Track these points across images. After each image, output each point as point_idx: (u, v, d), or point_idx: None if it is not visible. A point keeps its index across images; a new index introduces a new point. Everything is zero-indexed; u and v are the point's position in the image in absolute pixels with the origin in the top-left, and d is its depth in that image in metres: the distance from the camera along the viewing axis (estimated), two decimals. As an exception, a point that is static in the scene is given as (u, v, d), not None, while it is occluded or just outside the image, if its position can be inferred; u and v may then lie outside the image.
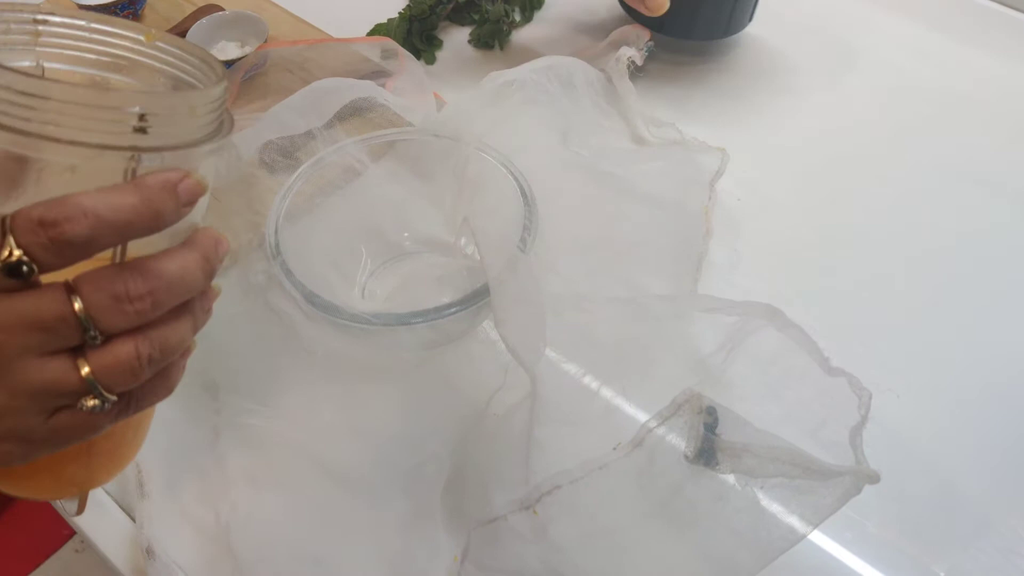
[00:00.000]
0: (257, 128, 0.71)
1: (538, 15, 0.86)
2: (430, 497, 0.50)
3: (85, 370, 0.32)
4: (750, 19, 0.79)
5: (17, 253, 0.29)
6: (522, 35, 0.84)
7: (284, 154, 0.67)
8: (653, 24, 0.77)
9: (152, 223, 0.32)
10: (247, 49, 0.80)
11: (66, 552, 1.35)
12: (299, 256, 0.56)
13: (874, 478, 0.37)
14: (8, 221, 0.29)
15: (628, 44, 0.74)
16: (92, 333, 0.31)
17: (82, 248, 0.30)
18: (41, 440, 0.34)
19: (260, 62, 0.78)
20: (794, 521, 0.38)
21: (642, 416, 0.39)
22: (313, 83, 0.69)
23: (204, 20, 0.80)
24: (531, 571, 0.41)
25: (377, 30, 0.84)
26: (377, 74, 0.75)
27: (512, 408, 0.49)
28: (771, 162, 0.72)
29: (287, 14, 0.86)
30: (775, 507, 0.38)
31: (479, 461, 0.50)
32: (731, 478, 0.38)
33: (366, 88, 0.69)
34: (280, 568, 0.49)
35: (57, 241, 0.30)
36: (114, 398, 0.33)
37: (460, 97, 0.70)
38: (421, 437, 0.52)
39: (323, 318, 0.53)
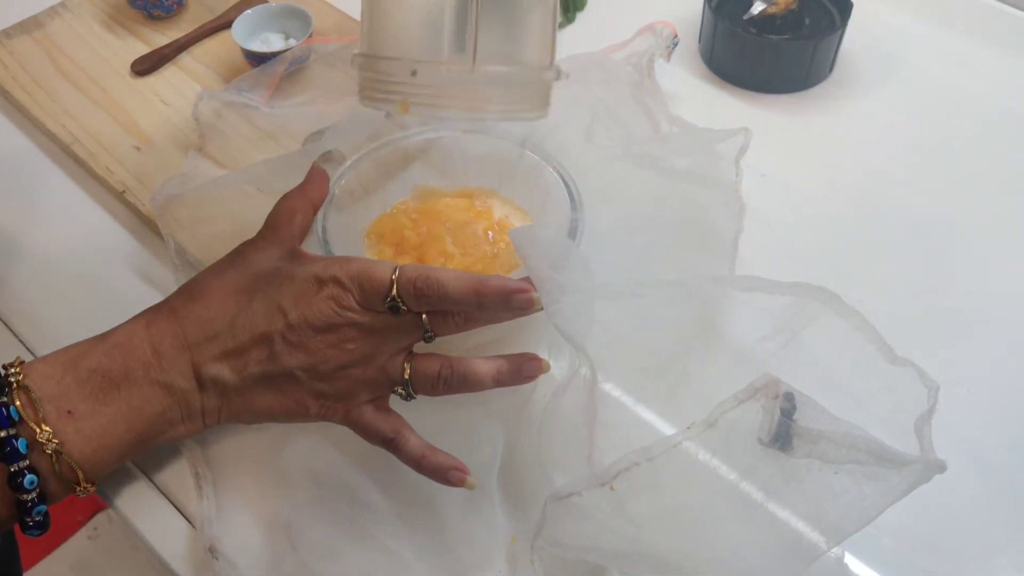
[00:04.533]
0: (301, 116, 0.72)
1: (580, 16, 0.86)
2: (486, 480, 0.50)
3: (407, 369, 0.49)
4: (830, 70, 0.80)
5: (394, 294, 0.47)
6: (564, 36, 0.84)
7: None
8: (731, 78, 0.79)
9: (478, 310, 0.48)
10: (292, 42, 0.80)
11: (79, 539, 1.33)
12: (346, 245, 0.58)
13: (942, 467, 0.38)
14: (397, 273, 0.47)
15: (654, 40, 0.74)
16: (429, 333, 0.49)
17: (433, 305, 0.48)
18: (335, 410, 0.49)
19: (304, 56, 0.79)
20: (863, 505, 0.38)
21: (705, 401, 0.39)
22: None
23: (249, 11, 0.80)
24: (606, 546, 0.41)
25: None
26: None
27: (559, 387, 0.49)
28: (797, 164, 0.72)
29: (333, 9, 0.86)
30: (845, 491, 0.38)
31: (533, 443, 0.50)
32: (803, 461, 0.38)
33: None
34: (345, 560, 0.49)
35: (418, 297, 0.47)
36: (415, 396, 0.50)
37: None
38: (474, 422, 0.52)
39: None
